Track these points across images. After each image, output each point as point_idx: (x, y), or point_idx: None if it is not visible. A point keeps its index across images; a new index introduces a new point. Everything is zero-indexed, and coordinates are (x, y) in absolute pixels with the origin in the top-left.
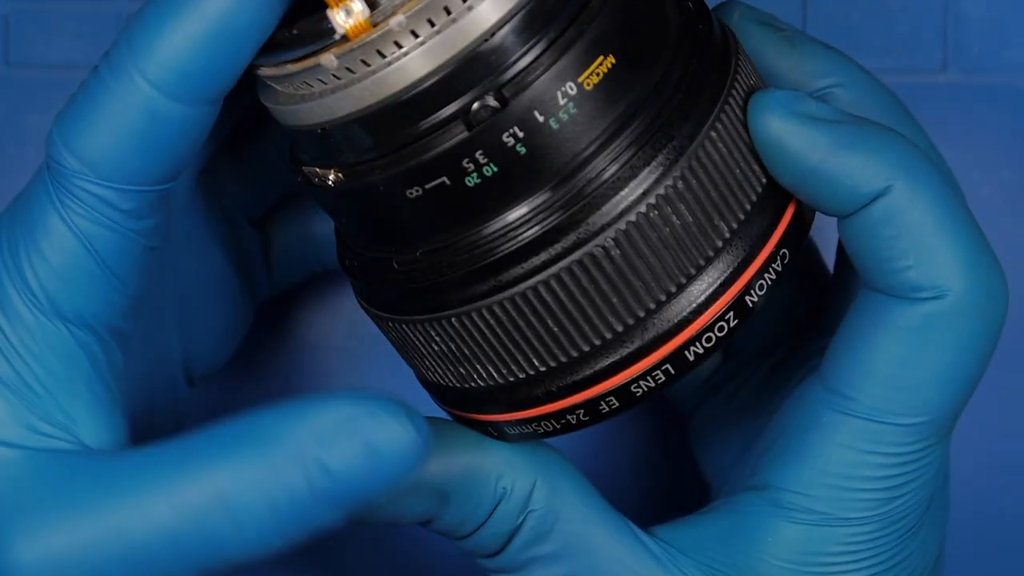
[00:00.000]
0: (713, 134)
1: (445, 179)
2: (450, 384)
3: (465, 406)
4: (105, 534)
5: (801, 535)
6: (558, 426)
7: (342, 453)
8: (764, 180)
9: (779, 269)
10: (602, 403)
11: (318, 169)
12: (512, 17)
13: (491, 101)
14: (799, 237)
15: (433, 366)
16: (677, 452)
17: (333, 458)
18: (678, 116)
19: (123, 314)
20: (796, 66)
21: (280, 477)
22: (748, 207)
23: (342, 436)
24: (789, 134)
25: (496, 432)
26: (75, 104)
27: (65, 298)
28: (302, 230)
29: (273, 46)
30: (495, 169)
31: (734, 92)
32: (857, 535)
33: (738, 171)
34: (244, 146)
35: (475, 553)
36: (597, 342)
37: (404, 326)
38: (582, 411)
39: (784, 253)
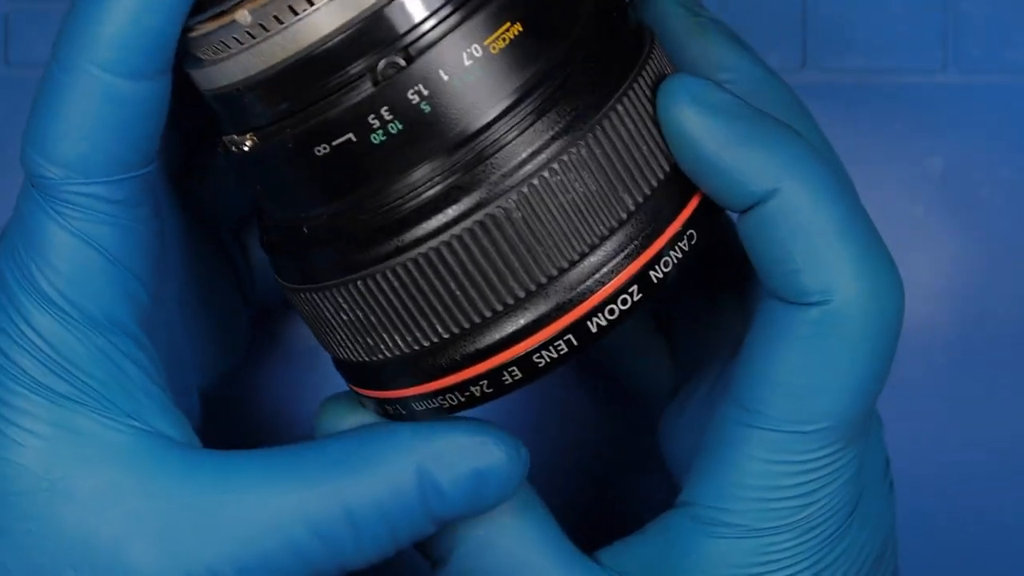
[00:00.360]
0: (620, 107)
1: (351, 136)
2: (360, 359)
3: (375, 383)
4: (231, 541)
5: (723, 549)
6: (462, 399)
7: (455, 476)
8: (672, 160)
9: (686, 249)
10: (504, 373)
11: (235, 136)
12: None
13: (397, 58)
14: (708, 220)
15: (343, 340)
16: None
17: (447, 480)
18: (584, 88)
19: (146, 309)
20: (702, 54)
21: (400, 495)
22: (654, 183)
23: (456, 460)
24: (690, 121)
25: (405, 411)
26: (39, 114)
27: (91, 302)
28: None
29: (197, 8)
30: (400, 127)
31: (644, 73)
32: (775, 544)
33: (645, 148)
34: (212, 155)
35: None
36: (499, 307)
37: (314, 295)
38: (485, 382)
39: (692, 233)
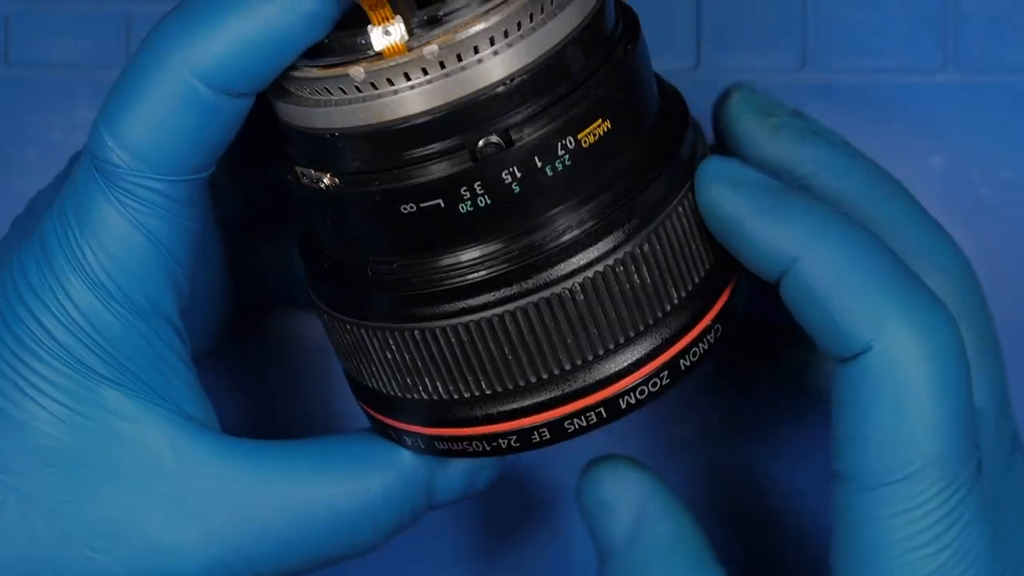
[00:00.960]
0: (680, 208)
1: (441, 201)
2: (390, 392)
3: (396, 414)
4: (261, 527)
5: None
6: (488, 448)
7: (456, 468)
8: (712, 259)
9: (711, 341)
10: (535, 433)
11: (313, 171)
12: (533, 67)
13: (498, 139)
14: (732, 316)
15: (379, 373)
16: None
17: (450, 472)
18: (652, 188)
19: (186, 301)
20: (776, 155)
21: (413, 490)
22: (696, 280)
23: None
24: (718, 197)
25: (423, 445)
26: (121, 99)
27: (142, 293)
28: (278, 259)
29: (311, 50)
30: (488, 201)
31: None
32: None
33: (692, 247)
34: (243, 159)
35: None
36: (544, 376)
37: (363, 331)
38: (514, 437)
39: (718, 328)
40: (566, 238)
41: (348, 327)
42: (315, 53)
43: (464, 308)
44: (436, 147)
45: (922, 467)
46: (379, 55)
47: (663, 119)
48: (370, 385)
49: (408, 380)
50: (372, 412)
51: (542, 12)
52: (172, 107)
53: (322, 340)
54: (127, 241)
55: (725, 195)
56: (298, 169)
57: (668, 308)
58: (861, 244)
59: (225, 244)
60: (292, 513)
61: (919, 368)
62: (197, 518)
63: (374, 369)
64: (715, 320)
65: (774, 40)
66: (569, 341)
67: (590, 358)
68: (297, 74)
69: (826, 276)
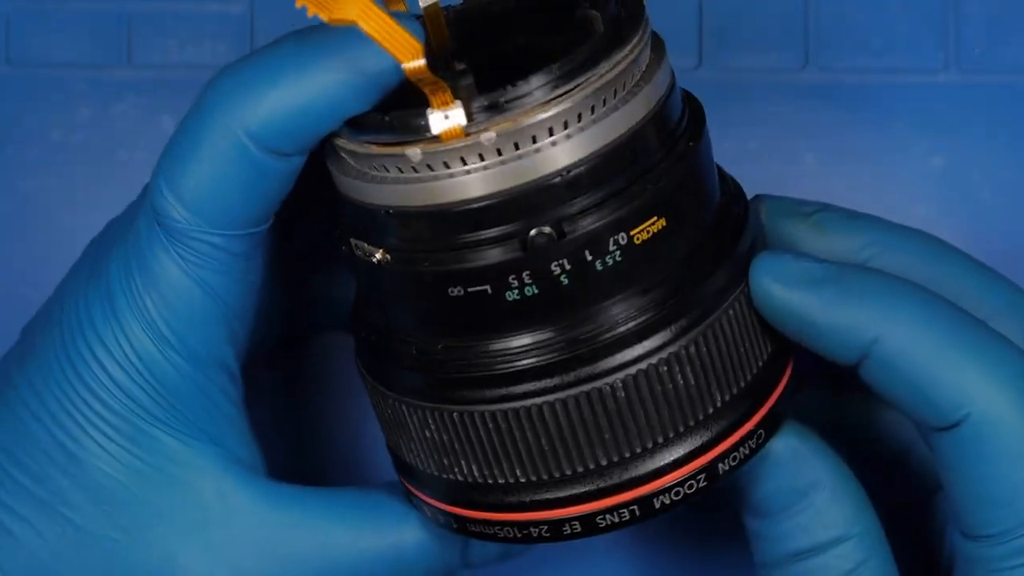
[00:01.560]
0: (730, 311)
1: (488, 288)
2: (427, 470)
3: (432, 491)
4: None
5: None
6: (518, 535)
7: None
8: (760, 363)
9: (753, 446)
10: (566, 525)
11: (367, 244)
12: (590, 160)
13: (550, 230)
14: (776, 423)
15: (417, 450)
16: None
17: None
18: (702, 289)
19: (242, 348)
20: (830, 248)
21: (446, 554)
22: (742, 384)
23: None
24: (780, 298)
25: (456, 525)
26: (179, 156)
27: (199, 342)
28: (336, 287)
29: (361, 125)
30: (535, 291)
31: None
32: None
33: (743, 348)
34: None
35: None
36: (580, 469)
37: (404, 407)
38: (545, 527)
39: (761, 433)
40: (613, 333)
41: (390, 401)
42: (374, 128)
43: (505, 395)
44: (488, 233)
45: None
46: (437, 138)
47: (722, 213)
48: (408, 460)
49: (444, 460)
50: (408, 486)
51: (604, 105)
52: (225, 165)
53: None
54: (186, 293)
55: (787, 292)
56: (352, 241)
57: (711, 410)
58: (938, 314)
59: (281, 281)
60: (326, 562)
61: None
62: (232, 562)
63: (412, 446)
64: (758, 425)
65: (775, 40)
66: (607, 436)
67: (627, 455)
68: (356, 149)
69: (910, 353)
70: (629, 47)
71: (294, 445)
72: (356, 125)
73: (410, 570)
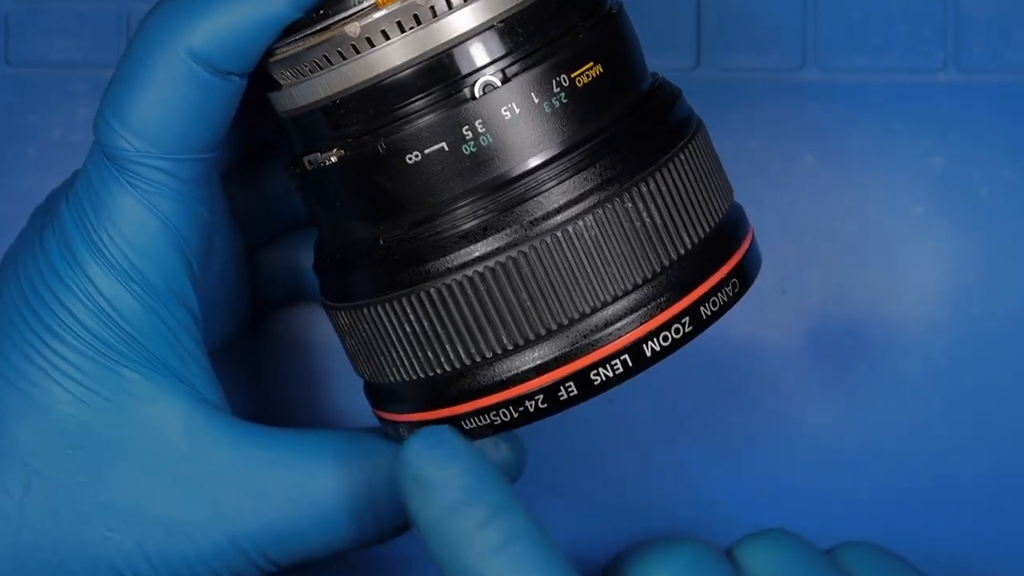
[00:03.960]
0: (656, 176)
1: (444, 144)
2: (411, 377)
3: (420, 402)
4: (271, 512)
5: None
6: (516, 414)
7: None
8: (723, 211)
9: (730, 293)
10: (560, 389)
11: (319, 154)
12: (525, 7)
13: (495, 78)
14: (746, 277)
15: (399, 357)
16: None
17: None
18: (629, 152)
19: (198, 283)
20: None
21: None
22: (709, 227)
23: None
24: None
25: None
26: (123, 85)
27: (154, 271)
28: (286, 260)
29: (297, 24)
30: (491, 140)
31: (685, 151)
32: None
33: (674, 217)
34: (256, 174)
35: None
36: (565, 321)
37: (380, 309)
38: (541, 397)
39: (735, 282)
40: (581, 174)
41: (365, 313)
42: (310, 24)
43: (482, 255)
44: (436, 90)
45: None
46: (375, 7)
47: (654, 86)
48: (390, 378)
49: (429, 353)
50: (392, 417)
51: None
52: (172, 88)
53: (325, 340)
54: (140, 223)
55: None
56: (304, 159)
57: (683, 251)
58: None
59: (241, 243)
60: (299, 500)
61: None
62: (209, 500)
63: (393, 354)
64: (732, 273)
65: (774, 39)
66: (583, 282)
67: (609, 299)
68: (295, 49)
69: None
70: None
71: (268, 410)
72: (295, 26)
73: (384, 507)
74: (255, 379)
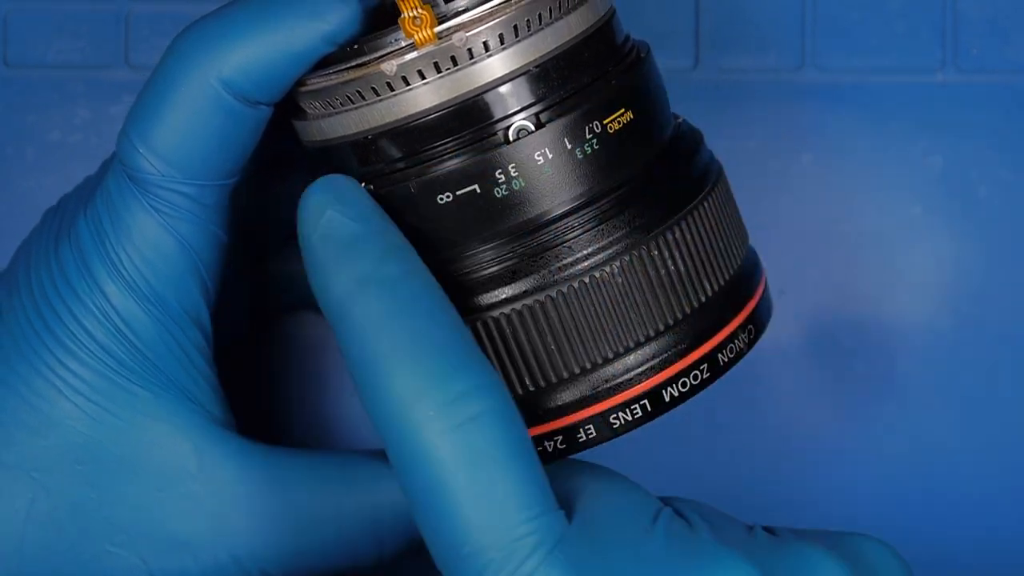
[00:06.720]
0: (677, 229)
1: (476, 187)
2: None
3: None
4: (274, 532)
5: None
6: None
7: None
8: (738, 262)
9: (747, 340)
10: (580, 431)
11: None
12: (561, 52)
13: (529, 122)
14: (761, 324)
15: None
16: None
17: None
18: (655, 201)
19: (212, 304)
20: None
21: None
22: (726, 277)
23: None
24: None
25: None
26: (150, 107)
27: (174, 296)
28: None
29: (333, 57)
30: (523, 184)
31: (706, 203)
32: None
33: (692, 271)
34: (267, 182)
35: None
36: (588, 365)
37: None
38: (560, 438)
39: (751, 328)
40: (597, 225)
41: None
42: (346, 57)
43: (505, 299)
44: (470, 132)
45: None
46: (412, 47)
47: (676, 132)
48: None
49: None
50: None
51: (560, 8)
52: (199, 114)
53: (325, 342)
54: (160, 245)
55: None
56: None
57: (703, 299)
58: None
59: (241, 246)
60: (301, 521)
61: None
62: (213, 517)
63: None
64: (748, 319)
65: (773, 40)
66: (608, 327)
67: (632, 345)
68: (329, 83)
69: None
70: None
71: (265, 437)
72: (327, 60)
73: (386, 531)
74: (255, 380)
